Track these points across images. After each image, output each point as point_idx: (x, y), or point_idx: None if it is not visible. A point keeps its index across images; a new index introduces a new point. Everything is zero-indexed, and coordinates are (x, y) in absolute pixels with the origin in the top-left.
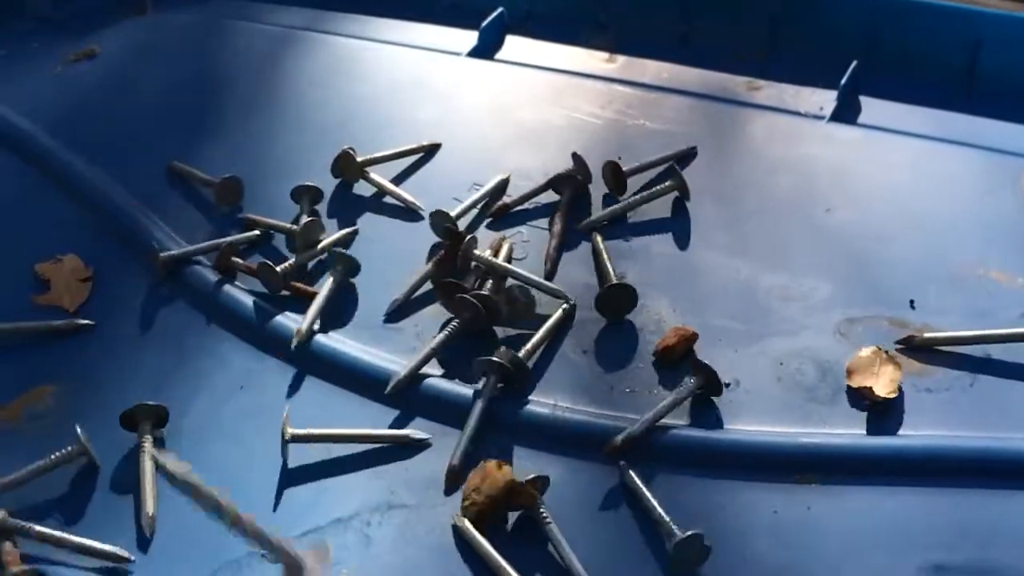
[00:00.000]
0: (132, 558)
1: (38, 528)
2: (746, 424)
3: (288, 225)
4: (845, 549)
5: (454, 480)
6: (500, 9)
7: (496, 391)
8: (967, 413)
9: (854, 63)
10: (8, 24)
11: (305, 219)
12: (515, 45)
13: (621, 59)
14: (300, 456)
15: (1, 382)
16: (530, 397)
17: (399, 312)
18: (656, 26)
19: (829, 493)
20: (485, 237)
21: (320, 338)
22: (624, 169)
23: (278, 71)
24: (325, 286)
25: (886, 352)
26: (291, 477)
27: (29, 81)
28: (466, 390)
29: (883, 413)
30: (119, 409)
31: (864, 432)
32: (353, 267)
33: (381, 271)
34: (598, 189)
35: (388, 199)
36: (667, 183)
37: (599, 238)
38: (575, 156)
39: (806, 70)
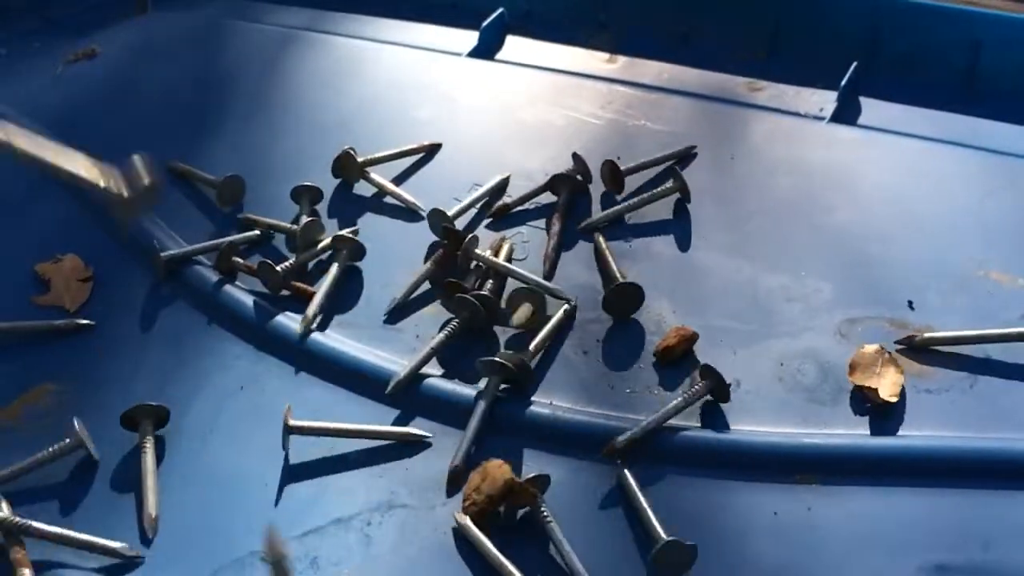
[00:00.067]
0: (140, 554)
1: (48, 528)
2: (747, 424)
3: (288, 225)
4: (846, 549)
5: (456, 481)
6: (500, 9)
7: (498, 392)
8: (968, 414)
9: (854, 64)
10: (8, 24)
11: (305, 219)
12: (515, 45)
13: (621, 59)
14: (300, 456)
15: (1, 382)
16: (531, 397)
17: (399, 312)
18: (657, 26)
19: (830, 493)
20: (485, 237)
21: (320, 338)
22: (622, 168)
23: (278, 71)
24: (331, 271)
25: (889, 352)
26: (291, 477)
27: (29, 81)
28: (466, 390)
29: (884, 414)
30: (119, 409)
31: (865, 432)
32: (357, 251)
33: (381, 271)
34: (599, 189)
35: (388, 199)
36: (668, 185)
37: (602, 238)
38: (575, 156)
39: (806, 71)
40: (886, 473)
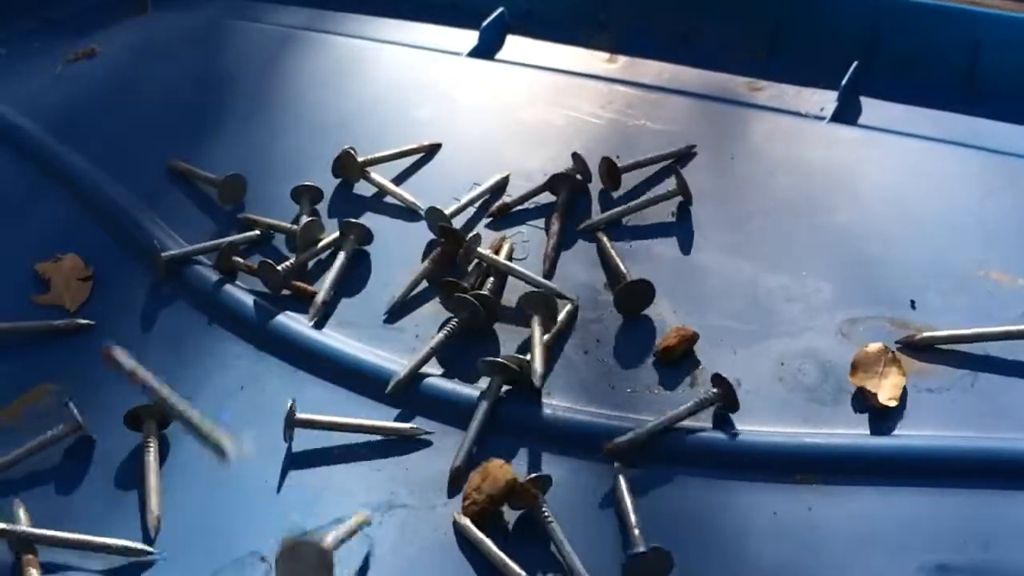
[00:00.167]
0: (153, 550)
1: (63, 535)
2: (747, 424)
3: (288, 225)
4: (846, 549)
5: (458, 481)
6: (500, 9)
7: (499, 393)
8: (968, 413)
9: (855, 64)
10: (8, 24)
11: (305, 219)
12: (515, 45)
13: (622, 59)
14: (301, 456)
15: (1, 382)
16: (532, 397)
17: (399, 311)
18: (657, 26)
19: (830, 493)
20: (485, 237)
21: (320, 337)
22: (619, 166)
23: (278, 71)
24: (339, 256)
25: (892, 352)
26: (292, 477)
27: (29, 81)
28: (466, 389)
29: (884, 414)
30: (120, 409)
31: (865, 432)
32: (364, 235)
33: (382, 271)
34: (598, 189)
35: (389, 199)
36: (670, 188)
37: (605, 238)
38: (575, 156)
39: (807, 70)
40: (887, 473)
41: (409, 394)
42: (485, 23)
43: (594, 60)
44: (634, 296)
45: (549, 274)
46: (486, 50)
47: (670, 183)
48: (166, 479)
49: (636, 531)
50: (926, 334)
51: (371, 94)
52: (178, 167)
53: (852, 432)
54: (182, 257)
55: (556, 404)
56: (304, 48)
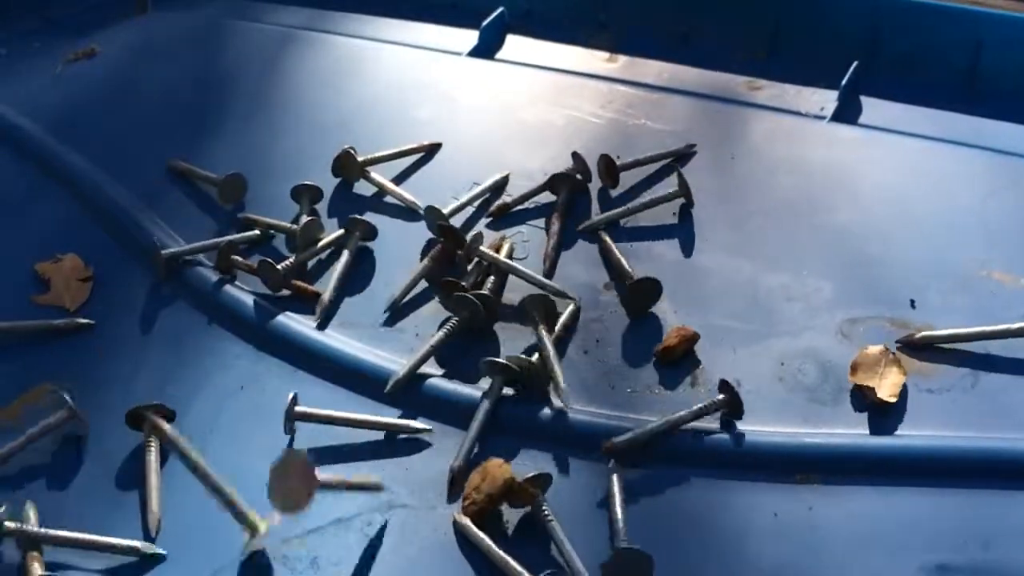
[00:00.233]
0: (162, 551)
1: (68, 534)
2: (747, 424)
3: (288, 225)
4: (847, 549)
5: (458, 481)
6: (500, 9)
7: (500, 393)
8: (969, 413)
9: (855, 63)
10: (8, 24)
11: (305, 218)
12: (516, 45)
13: (622, 59)
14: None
15: (1, 382)
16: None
17: (398, 311)
18: (657, 26)
19: (831, 493)
20: (486, 236)
21: (320, 337)
22: (618, 164)
23: (278, 71)
24: (343, 253)
25: (893, 353)
26: None
27: (29, 81)
28: (466, 389)
29: (885, 413)
30: (120, 409)
31: (866, 432)
32: (369, 231)
33: (382, 270)
34: (598, 189)
35: (388, 199)
36: (672, 189)
37: (608, 237)
38: (575, 156)
39: (807, 70)
40: (887, 473)
41: (409, 394)
42: (485, 23)
43: (594, 60)
44: (642, 294)
45: (549, 274)
46: (486, 50)
47: (672, 184)
48: (167, 479)
49: (621, 528)
50: (925, 333)
51: (371, 94)
52: (178, 167)
53: (852, 432)
54: (182, 257)
55: (556, 404)
56: (304, 48)
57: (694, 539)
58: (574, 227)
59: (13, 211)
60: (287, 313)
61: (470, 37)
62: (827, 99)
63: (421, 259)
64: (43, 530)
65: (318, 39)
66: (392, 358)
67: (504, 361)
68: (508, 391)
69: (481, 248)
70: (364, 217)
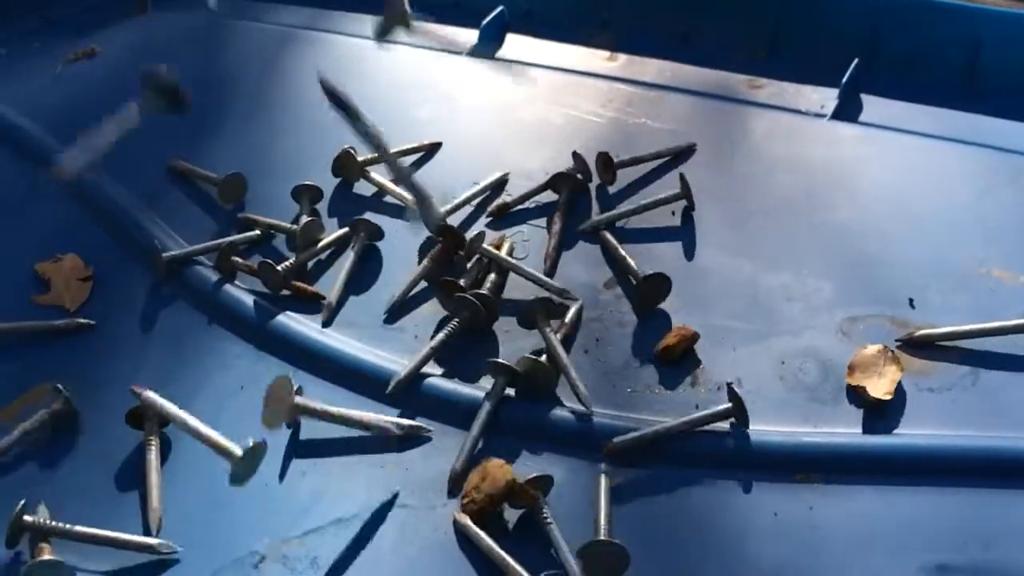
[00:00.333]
0: (177, 548)
1: (79, 529)
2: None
3: (288, 225)
4: (847, 549)
5: (458, 481)
6: (500, 8)
7: (503, 394)
8: (969, 412)
9: (855, 61)
10: (8, 24)
11: (305, 219)
12: (516, 44)
13: (622, 57)
14: (301, 456)
15: (1, 382)
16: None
17: (398, 311)
18: (657, 24)
19: (831, 493)
20: (486, 236)
21: (321, 337)
22: (616, 161)
23: (278, 70)
24: (348, 256)
25: (891, 351)
26: (292, 477)
27: (29, 80)
28: (467, 389)
29: (885, 413)
30: (120, 408)
31: (866, 432)
32: (375, 233)
33: (381, 271)
34: (596, 185)
35: (388, 199)
36: (673, 191)
37: (611, 236)
38: (576, 155)
39: (807, 68)
40: (887, 472)
41: (409, 394)
42: (485, 22)
43: (594, 59)
44: (653, 290)
45: (550, 273)
46: (487, 49)
47: (673, 186)
48: (167, 478)
49: (604, 530)
50: (925, 331)
51: (371, 94)
52: (178, 167)
53: (853, 431)
54: (183, 257)
55: (556, 404)
56: (304, 47)
57: (694, 539)
58: (574, 227)
59: (13, 211)
60: (287, 313)
61: (470, 36)
62: (827, 97)
63: (420, 259)
64: (60, 524)
65: (318, 38)
66: (392, 358)
67: (504, 362)
68: (510, 392)
69: (484, 246)
70: (364, 217)
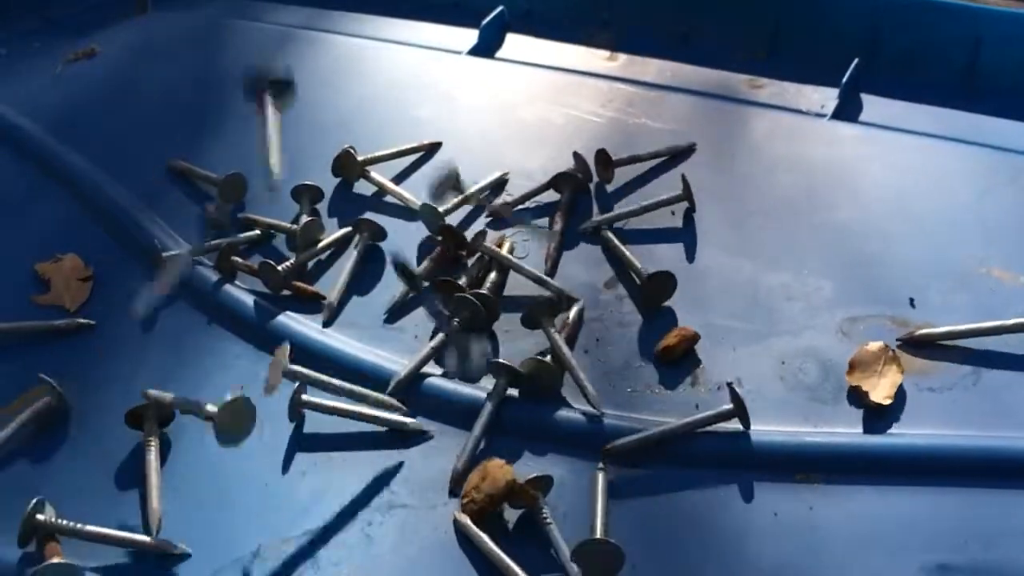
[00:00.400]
0: (186, 548)
1: (89, 528)
2: None
3: (288, 225)
4: (847, 549)
5: (459, 482)
6: (500, 7)
7: (504, 394)
8: (970, 412)
9: (855, 61)
10: (8, 24)
11: (305, 218)
12: (516, 43)
13: (622, 57)
14: (301, 455)
15: (1, 382)
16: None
17: (398, 311)
18: (657, 24)
19: (831, 493)
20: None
21: (321, 338)
22: (614, 159)
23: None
24: (351, 256)
25: (892, 350)
26: (292, 476)
27: (29, 81)
28: (467, 389)
29: (886, 413)
30: (120, 409)
31: (866, 432)
32: (378, 233)
33: (381, 271)
34: (595, 183)
35: (389, 198)
36: (675, 192)
37: (613, 236)
38: (576, 155)
39: (807, 68)
40: (888, 472)
41: (410, 394)
42: (485, 21)
43: (594, 58)
44: (658, 288)
45: (551, 273)
46: (486, 49)
47: (674, 186)
48: (167, 478)
49: (600, 531)
50: (926, 331)
51: (371, 93)
52: (178, 167)
53: (853, 431)
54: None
55: (557, 404)
56: (304, 47)
57: (694, 539)
58: (574, 227)
59: (13, 211)
60: (287, 313)
61: (470, 36)
62: (827, 97)
63: (420, 258)
64: (70, 523)
65: (318, 38)
66: (392, 358)
67: (506, 362)
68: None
69: (486, 244)
70: (365, 217)
